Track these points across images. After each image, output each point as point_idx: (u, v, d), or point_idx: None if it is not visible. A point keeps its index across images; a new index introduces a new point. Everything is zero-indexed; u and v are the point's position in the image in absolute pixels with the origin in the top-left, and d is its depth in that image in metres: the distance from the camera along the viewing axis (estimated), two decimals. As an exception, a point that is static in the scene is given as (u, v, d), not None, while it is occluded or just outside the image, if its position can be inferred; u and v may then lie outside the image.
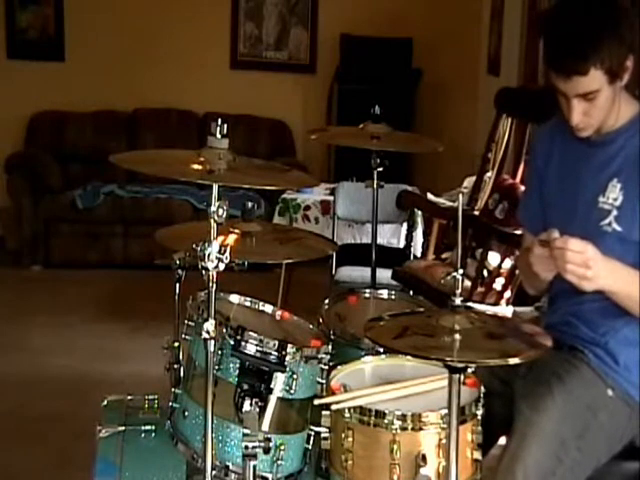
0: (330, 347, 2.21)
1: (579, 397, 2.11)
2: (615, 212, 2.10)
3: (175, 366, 2.40)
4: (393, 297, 2.78)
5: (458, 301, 1.83)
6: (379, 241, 3.34)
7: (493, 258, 3.75)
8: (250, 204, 2.36)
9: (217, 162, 2.00)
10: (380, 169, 3.02)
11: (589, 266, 1.94)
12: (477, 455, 2.01)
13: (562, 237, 1.96)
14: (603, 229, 2.11)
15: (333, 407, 2.04)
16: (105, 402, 2.71)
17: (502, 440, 2.24)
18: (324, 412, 2.08)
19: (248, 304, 2.45)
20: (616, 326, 2.13)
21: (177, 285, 2.51)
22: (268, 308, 2.46)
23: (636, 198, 2.07)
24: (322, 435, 2.08)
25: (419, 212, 4.74)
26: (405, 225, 4.89)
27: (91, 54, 6.87)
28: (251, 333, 2.07)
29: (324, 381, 2.15)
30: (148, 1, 6.95)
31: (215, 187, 1.93)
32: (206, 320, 1.96)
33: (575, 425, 2.08)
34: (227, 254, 1.92)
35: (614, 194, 2.11)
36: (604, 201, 2.12)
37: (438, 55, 6.77)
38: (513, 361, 1.74)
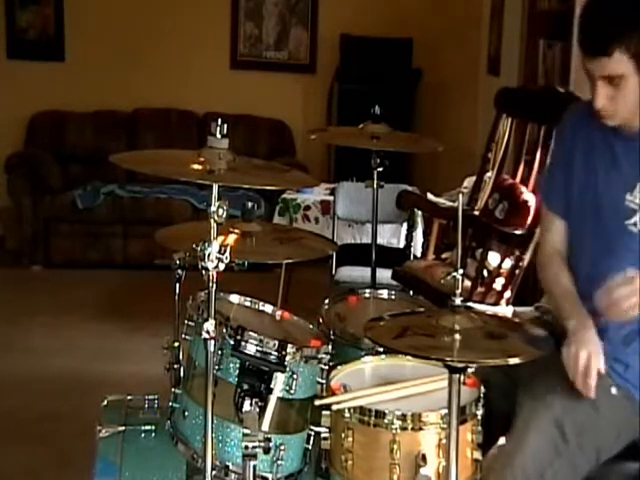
0: (330, 347, 2.21)
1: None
2: None
3: (175, 366, 2.40)
4: (393, 297, 2.78)
5: (458, 301, 1.83)
6: (379, 241, 3.34)
7: (493, 258, 3.74)
8: (250, 204, 2.36)
9: (217, 162, 2.00)
10: (380, 169, 3.02)
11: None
12: (477, 455, 2.01)
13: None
14: (628, 229, 2.08)
15: (334, 407, 2.04)
16: (105, 402, 2.70)
17: (502, 440, 2.25)
18: (324, 412, 2.08)
19: (248, 304, 2.45)
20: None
21: (177, 285, 2.51)
22: (268, 308, 2.46)
23: None
24: (322, 435, 2.08)
25: (419, 212, 4.74)
26: (405, 225, 4.88)
27: (91, 54, 6.87)
28: (251, 333, 2.07)
29: (324, 381, 2.15)
30: (148, 1, 6.95)
31: (215, 187, 1.93)
32: (206, 320, 1.96)
33: (577, 419, 2.08)
34: (227, 254, 1.92)
35: None
36: (631, 200, 2.08)
37: (438, 55, 6.77)
38: (513, 361, 1.74)
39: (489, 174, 4.28)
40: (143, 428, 2.57)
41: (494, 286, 3.66)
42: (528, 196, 3.74)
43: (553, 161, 2.44)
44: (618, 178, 2.12)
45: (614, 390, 2.12)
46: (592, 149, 2.19)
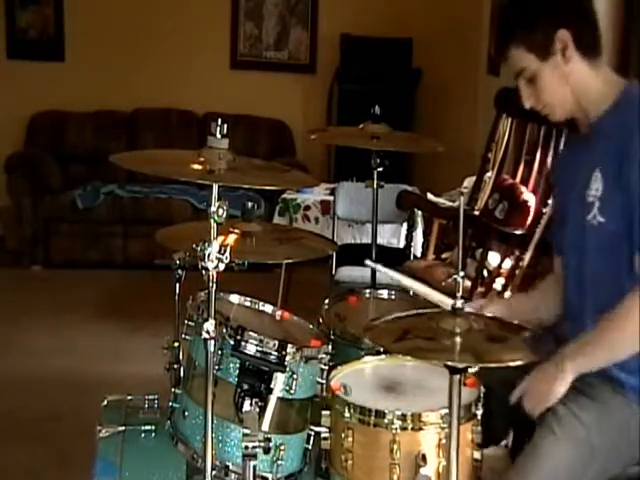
0: (330, 347, 2.21)
1: (612, 413, 2.05)
2: (597, 203, 2.05)
3: (175, 366, 2.41)
4: (393, 297, 2.78)
5: (459, 303, 1.82)
6: (379, 241, 3.34)
7: (493, 258, 3.75)
8: (250, 204, 2.36)
9: (217, 162, 2.00)
10: (380, 169, 3.02)
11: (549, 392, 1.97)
12: (477, 455, 2.01)
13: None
14: (590, 223, 2.06)
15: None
16: (105, 402, 2.71)
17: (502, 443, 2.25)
18: (324, 412, 2.08)
19: (248, 304, 2.45)
20: None
21: (177, 285, 2.51)
22: (268, 308, 2.46)
23: (615, 186, 2.01)
24: (322, 435, 2.08)
25: (419, 212, 4.74)
26: (405, 225, 4.89)
27: (91, 54, 6.87)
28: (251, 333, 2.07)
29: (324, 381, 2.15)
30: (148, 1, 6.95)
31: (215, 187, 1.93)
32: (206, 320, 1.96)
33: (606, 439, 2.03)
34: (227, 254, 1.92)
35: (596, 184, 2.05)
36: (589, 194, 2.06)
37: (438, 55, 6.77)
38: (514, 363, 1.74)
39: (489, 174, 4.28)
40: (143, 428, 2.57)
41: (494, 286, 3.67)
42: (528, 196, 3.74)
43: (556, 213, 2.47)
44: (579, 176, 2.11)
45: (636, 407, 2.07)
46: (569, 164, 2.22)
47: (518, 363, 1.74)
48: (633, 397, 2.06)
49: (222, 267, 1.93)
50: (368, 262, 2.76)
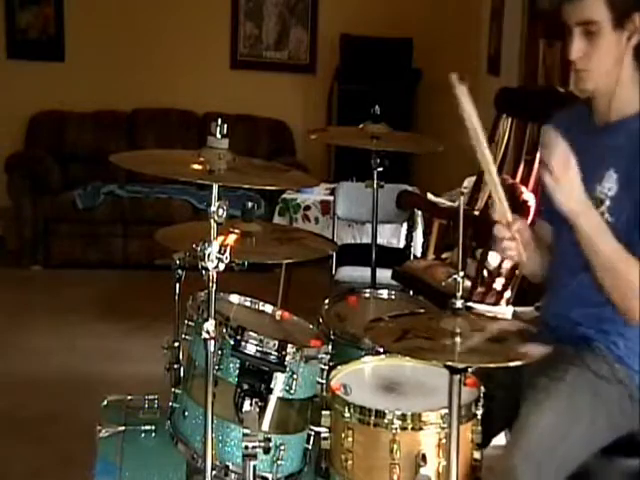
0: (330, 347, 2.21)
1: (591, 368, 2.08)
2: (608, 202, 2.07)
3: (175, 366, 2.41)
4: (393, 297, 2.78)
5: (459, 303, 1.82)
6: (379, 241, 3.34)
7: (493, 258, 3.74)
8: (250, 204, 2.36)
9: (217, 162, 2.00)
10: (380, 169, 3.02)
11: (568, 167, 1.93)
12: (477, 455, 2.01)
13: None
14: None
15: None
16: (105, 402, 2.71)
17: (502, 441, 2.25)
18: (324, 412, 2.08)
19: (248, 304, 2.45)
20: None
21: (177, 285, 2.52)
22: (268, 308, 2.46)
23: (629, 192, 2.04)
24: (322, 435, 2.08)
25: (419, 212, 4.74)
26: (405, 225, 4.89)
27: (91, 54, 6.87)
28: (251, 333, 2.07)
29: (324, 381, 2.15)
30: (148, 1, 6.95)
31: (215, 187, 1.93)
32: (206, 320, 1.96)
33: (586, 390, 2.05)
34: (227, 254, 1.92)
35: (609, 183, 2.08)
36: (600, 190, 2.08)
37: (438, 55, 6.77)
38: (514, 364, 1.74)
39: (489, 174, 4.27)
40: (143, 428, 2.58)
41: (494, 286, 3.66)
42: (528, 196, 3.74)
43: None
44: (591, 168, 2.09)
45: (617, 365, 2.10)
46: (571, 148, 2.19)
47: (518, 363, 1.74)
48: (610, 356, 2.09)
49: (222, 267, 1.93)
50: None
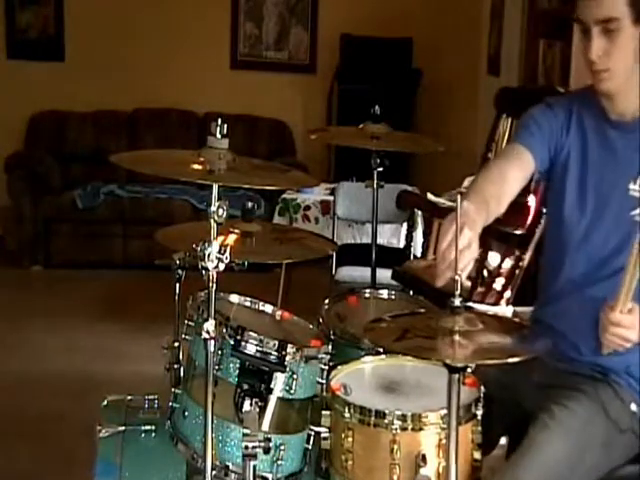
0: (330, 347, 2.21)
1: (605, 407, 2.05)
2: None
3: (175, 366, 2.41)
4: (393, 297, 2.78)
5: (457, 302, 1.82)
6: (379, 241, 3.34)
7: (493, 258, 3.74)
8: (250, 204, 2.36)
9: (217, 162, 2.00)
10: (380, 169, 3.02)
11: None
12: (477, 455, 2.01)
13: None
14: (635, 219, 2.02)
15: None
16: (105, 402, 2.71)
17: (502, 440, 2.24)
18: (324, 412, 2.08)
19: (248, 304, 2.45)
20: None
21: (177, 285, 2.51)
22: (268, 308, 2.45)
23: None
24: (322, 435, 2.08)
25: (419, 212, 4.74)
26: (405, 225, 4.89)
27: (91, 54, 6.87)
28: (251, 333, 2.07)
29: (324, 381, 2.15)
30: (148, 1, 6.95)
31: (215, 187, 1.93)
32: (206, 320, 1.96)
33: (598, 433, 2.02)
34: (227, 254, 1.92)
35: None
36: (635, 189, 2.03)
37: (438, 55, 6.77)
38: (513, 360, 1.74)
39: (489, 174, 4.27)
40: (143, 428, 2.58)
41: (494, 286, 3.66)
42: (528, 196, 3.74)
43: (537, 121, 2.22)
44: (624, 168, 2.05)
45: (634, 407, 2.07)
46: (587, 146, 2.13)
47: (517, 360, 1.74)
48: (627, 393, 2.06)
49: (222, 267, 1.93)
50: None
